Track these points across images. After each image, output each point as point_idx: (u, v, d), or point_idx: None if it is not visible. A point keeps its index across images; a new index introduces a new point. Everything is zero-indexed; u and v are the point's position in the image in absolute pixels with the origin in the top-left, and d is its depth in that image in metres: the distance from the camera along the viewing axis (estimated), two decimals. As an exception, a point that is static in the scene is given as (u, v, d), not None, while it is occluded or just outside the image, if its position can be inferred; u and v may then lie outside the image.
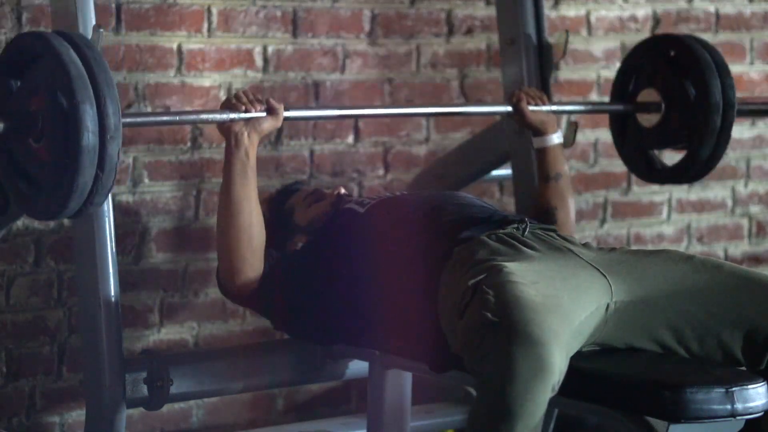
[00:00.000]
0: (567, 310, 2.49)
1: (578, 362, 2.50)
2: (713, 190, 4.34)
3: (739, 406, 2.43)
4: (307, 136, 3.66)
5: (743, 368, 2.64)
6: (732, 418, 2.44)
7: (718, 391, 2.43)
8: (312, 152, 3.68)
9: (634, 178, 4.07)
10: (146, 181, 3.45)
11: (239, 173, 2.86)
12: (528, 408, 2.33)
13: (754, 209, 4.44)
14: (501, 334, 2.38)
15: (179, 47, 3.47)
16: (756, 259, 4.44)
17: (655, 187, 4.17)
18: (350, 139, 3.74)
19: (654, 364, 2.61)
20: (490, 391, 2.36)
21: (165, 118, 3.00)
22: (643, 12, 4.19)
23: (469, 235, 2.77)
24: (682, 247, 4.29)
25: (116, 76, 3.37)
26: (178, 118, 3.02)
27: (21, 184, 2.55)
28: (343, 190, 3.16)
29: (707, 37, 4.26)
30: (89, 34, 2.69)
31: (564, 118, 4.03)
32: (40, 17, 3.27)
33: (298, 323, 2.95)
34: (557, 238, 2.81)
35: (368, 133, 3.77)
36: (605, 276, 2.64)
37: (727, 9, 4.32)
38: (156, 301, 3.50)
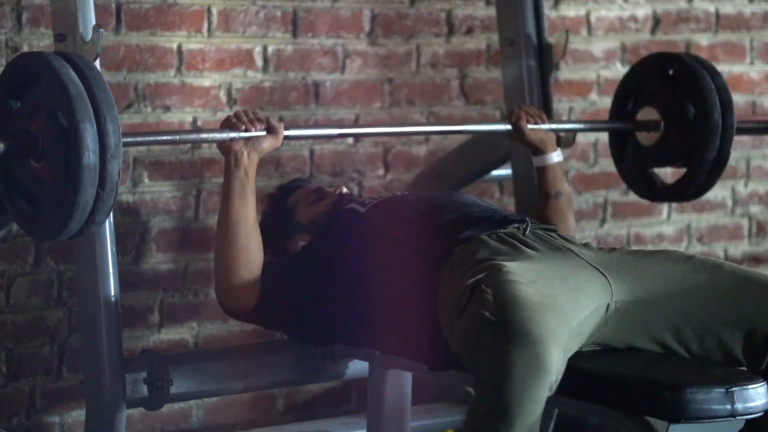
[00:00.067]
0: (565, 309, 2.49)
1: (578, 362, 2.50)
2: (713, 190, 4.32)
3: (739, 406, 2.43)
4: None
5: (743, 368, 2.64)
6: (732, 418, 2.44)
7: (718, 391, 2.43)
8: (312, 152, 3.68)
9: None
10: (146, 181, 3.45)
11: (238, 192, 2.86)
12: (526, 407, 2.34)
13: (754, 209, 4.44)
14: (499, 333, 2.38)
15: (179, 47, 3.47)
16: (756, 259, 4.44)
17: (655, 187, 4.17)
18: (350, 139, 3.74)
19: (654, 364, 2.61)
20: (487, 390, 2.37)
21: (165, 137, 3.01)
22: (643, 12, 4.19)
23: (469, 234, 2.77)
24: (682, 247, 4.29)
25: (116, 76, 3.38)
26: (178, 137, 3.03)
27: (22, 203, 2.56)
28: (345, 190, 3.16)
29: (707, 37, 4.27)
30: (89, 34, 2.69)
31: (564, 118, 4.03)
32: (40, 17, 3.27)
33: (298, 324, 2.95)
34: (558, 238, 2.81)
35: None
36: (605, 276, 2.64)
37: (727, 9, 4.32)
38: (156, 301, 3.50)
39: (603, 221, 4.18)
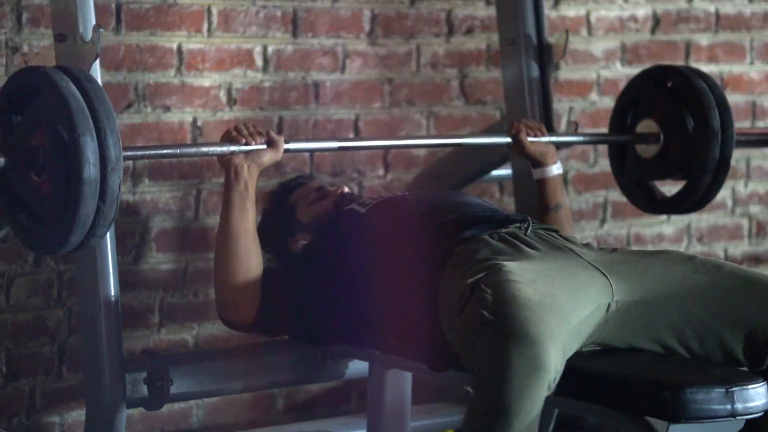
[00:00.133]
0: (565, 309, 2.49)
1: (578, 362, 2.50)
2: (713, 190, 4.35)
3: (739, 406, 2.43)
4: (307, 135, 3.66)
5: (744, 368, 2.64)
6: (732, 418, 2.44)
7: (718, 391, 2.43)
8: (312, 151, 3.67)
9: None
10: (146, 181, 3.45)
11: (238, 206, 2.87)
12: (524, 406, 2.34)
13: (754, 209, 4.44)
14: (497, 332, 2.38)
15: (179, 47, 3.47)
16: (756, 259, 4.44)
17: (655, 187, 4.17)
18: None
19: (654, 364, 2.61)
20: (486, 390, 2.37)
21: (166, 151, 3.03)
22: (643, 12, 4.19)
23: (470, 234, 2.77)
24: (682, 247, 4.29)
25: (116, 76, 3.38)
26: (179, 150, 3.04)
27: (22, 218, 2.56)
28: (346, 189, 3.16)
29: (707, 37, 4.27)
30: (89, 34, 2.69)
31: (564, 118, 4.04)
32: (40, 17, 3.27)
33: (298, 324, 2.95)
34: (559, 238, 2.82)
35: (368, 133, 3.76)
36: (606, 276, 2.64)
37: (727, 9, 4.32)
38: (156, 301, 3.50)
39: (603, 221, 4.18)
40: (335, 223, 3.01)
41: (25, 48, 3.26)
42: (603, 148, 4.08)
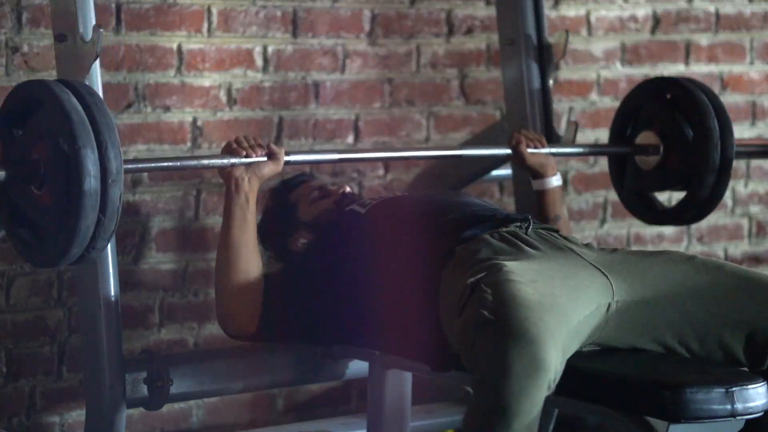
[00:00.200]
0: (565, 309, 2.49)
1: (578, 362, 2.50)
2: (713, 190, 4.34)
3: (739, 406, 2.43)
4: (307, 135, 3.66)
5: (744, 368, 2.64)
6: (732, 418, 2.44)
7: (718, 391, 2.43)
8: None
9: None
10: (146, 181, 3.45)
11: (239, 218, 2.87)
12: (524, 406, 2.34)
13: (754, 209, 4.44)
14: (497, 332, 2.38)
15: (179, 47, 3.47)
16: (756, 259, 4.44)
17: (655, 187, 4.17)
18: (350, 138, 3.74)
19: (654, 364, 2.61)
20: (486, 389, 2.37)
21: (166, 164, 3.04)
22: (643, 12, 4.19)
23: (471, 233, 2.77)
24: (682, 247, 4.29)
25: (116, 76, 3.38)
26: (179, 163, 3.05)
27: (22, 231, 2.57)
28: (347, 189, 3.16)
29: (707, 37, 4.27)
30: (89, 34, 2.69)
31: (564, 118, 4.03)
32: (40, 17, 3.27)
33: (299, 324, 2.95)
34: (559, 238, 2.82)
35: (368, 133, 3.76)
36: (606, 276, 2.64)
37: (727, 9, 4.32)
38: (156, 301, 3.50)
39: (603, 221, 4.18)
40: (335, 225, 3.01)
41: (25, 48, 3.26)
42: (603, 148, 4.09)
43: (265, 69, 3.60)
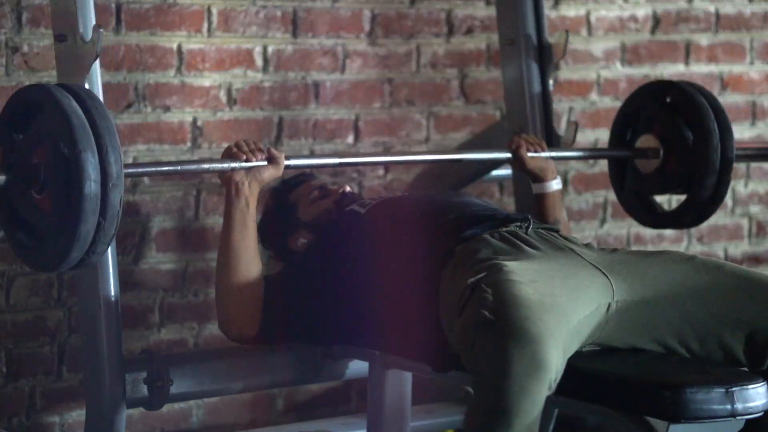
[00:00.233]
0: (565, 308, 2.49)
1: (578, 362, 2.50)
2: (713, 190, 4.34)
3: (739, 406, 2.43)
4: (307, 135, 3.66)
5: (744, 368, 2.64)
6: (732, 418, 2.44)
7: (718, 391, 2.43)
8: (312, 152, 3.67)
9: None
10: (146, 181, 3.45)
11: (239, 222, 2.88)
12: (524, 405, 2.34)
13: (754, 209, 4.44)
14: (497, 332, 2.38)
15: (179, 47, 3.47)
16: (756, 259, 4.44)
17: (655, 187, 4.17)
18: (350, 138, 3.74)
19: (654, 364, 2.61)
20: (486, 389, 2.37)
21: (166, 168, 3.03)
22: (643, 12, 4.19)
23: (471, 233, 2.77)
24: (682, 247, 4.29)
25: (116, 76, 3.38)
26: (179, 168, 3.05)
27: (22, 235, 2.57)
28: (348, 189, 3.16)
29: (707, 37, 4.27)
30: (89, 34, 2.69)
31: (564, 118, 4.04)
32: (40, 17, 3.27)
33: (299, 325, 2.95)
34: (559, 237, 2.82)
35: (368, 133, 3.76)
36: (607, 276, 2.64)
37: (727, 9, 4.32)
38: (156, 301, 3.50)
39: (603, 221, 4.18)
40: (335, 225, 3.01)
41: (25, 48, 3.26)
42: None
43: (265, 69, 3.60)
